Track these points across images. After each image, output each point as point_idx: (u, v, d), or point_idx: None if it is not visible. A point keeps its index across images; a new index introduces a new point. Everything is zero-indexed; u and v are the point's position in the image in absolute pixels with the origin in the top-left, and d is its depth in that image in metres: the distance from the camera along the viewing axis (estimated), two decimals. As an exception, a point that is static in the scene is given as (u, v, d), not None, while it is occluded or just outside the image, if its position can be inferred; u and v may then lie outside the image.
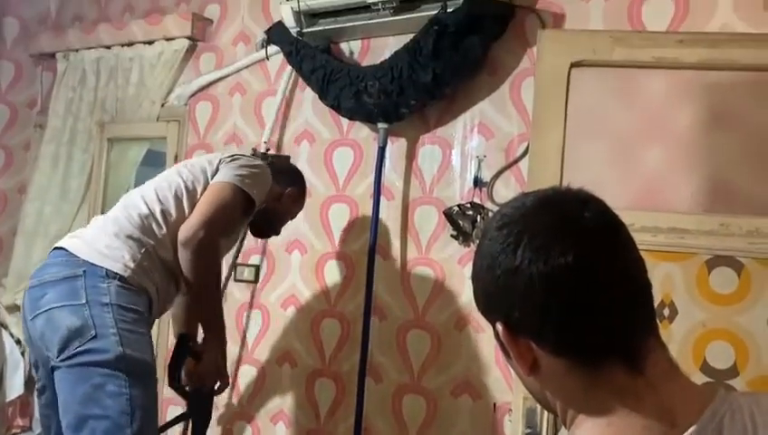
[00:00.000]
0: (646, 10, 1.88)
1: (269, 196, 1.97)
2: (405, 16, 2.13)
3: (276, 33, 2.37)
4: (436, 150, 2.19)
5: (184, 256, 1.76)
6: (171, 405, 2.46)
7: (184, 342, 1.88)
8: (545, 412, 1.56)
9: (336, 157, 2.38)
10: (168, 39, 2.75)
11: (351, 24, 2.24)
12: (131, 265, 1.72)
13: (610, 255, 0.70)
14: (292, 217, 2.19)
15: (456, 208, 2.08)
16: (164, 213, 1.80)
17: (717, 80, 1.60)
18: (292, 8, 2.26)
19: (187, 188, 1.84)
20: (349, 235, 2.33)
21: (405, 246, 2.21)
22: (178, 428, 2.13)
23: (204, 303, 1.87)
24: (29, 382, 2.77)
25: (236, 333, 2.52)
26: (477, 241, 0.82)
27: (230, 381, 1.99)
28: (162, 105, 2.78)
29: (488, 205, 2.05)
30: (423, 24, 2.03)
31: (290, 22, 2.29)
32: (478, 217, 2.04)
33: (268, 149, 2.44)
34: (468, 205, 2.07)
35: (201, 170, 1.88)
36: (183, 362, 1.87)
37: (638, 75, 1.65)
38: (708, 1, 1.79)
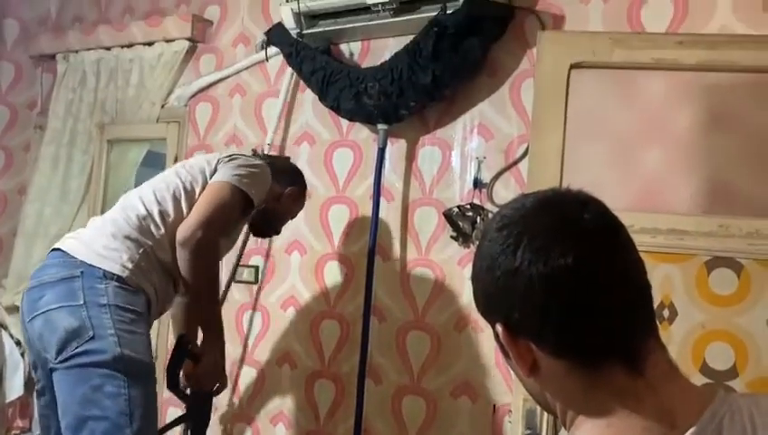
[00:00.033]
0: (645, 11, 1.89)
1: (269, 195, 1.97)
2: (405, 18, 2.13)
3: (276, 35, 2.37)
4: (435, 152, 2.19)
5: (182, 257, 1.76)
6: (171, 407, 2.46)
7: (182, 344, 1.88)
8: (545, 414, 1.56)
9: (336, 158, 2.39)
10: (167, 40, 2.75)
11: (351, 25, 2.24)
12: (129, 265, 1.72)
13: (610, 256, 0.70)
14: (293, 216, 2.19)
15: (456, 210, 2.08)
16: (162, 214, 1.80)
17: (716, 81, 1.60)
18: (291, 9, 2.26)
19: (185, 188, 1.84)
20: (348, 236, 2.33)
21: (405, 248, 2.22)
22: (178, 429, 2.13)
23: (203, 303, 1.86)
24: (29, 384, 2.77)
25: (236, 335, 2.52)
26: (477, 242, 0.82)
27: (228, 382, 1.98)
28: (162, 106, 2.78)
29: (488, 206, 2.05)
30: (423, 26, 2.03)
31: (290, 23, 2.29)
32: (478, 218, 2.05)
33: (264, 151, 2.44)
34: (468, 206, 2.07)
35: (200, 171, 1.88)
36: (181, 365, 1.87)
37: (637, 77, 1.66)
38: (707, 2, 1.79)
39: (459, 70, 2.04)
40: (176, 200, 1.82)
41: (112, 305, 1.66)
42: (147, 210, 1.80)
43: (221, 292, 2.49)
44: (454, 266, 2.12)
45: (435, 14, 2.01)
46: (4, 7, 3.20)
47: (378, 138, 2.21)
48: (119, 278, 1.70)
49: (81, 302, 1.65)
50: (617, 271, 0.70)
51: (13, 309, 2.86)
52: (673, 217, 1.58)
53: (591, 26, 1.94)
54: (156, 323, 2.31)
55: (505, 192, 2.03)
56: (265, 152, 2.41)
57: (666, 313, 1.56)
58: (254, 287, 2.52)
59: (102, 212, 2.69)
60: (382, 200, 2.22)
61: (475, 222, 2.05)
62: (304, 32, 2.29)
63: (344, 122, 2.36)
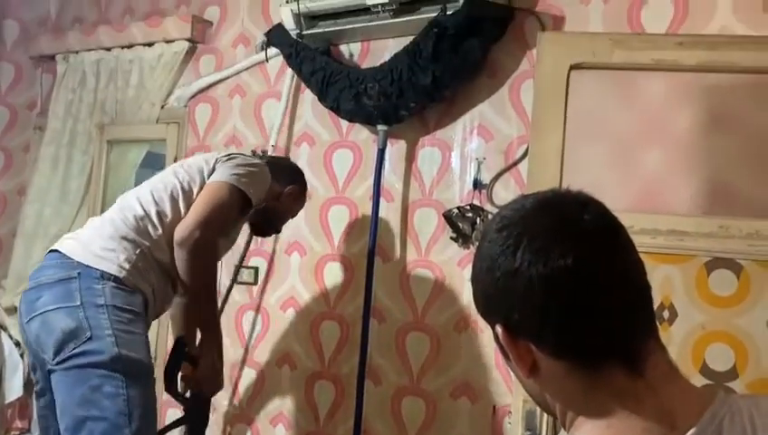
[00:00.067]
0: (645, 12, 1.88)
1: (268, 194, 1.96)
2: (404, 19, 2.13)
3: (276, 36, 2.37)
4: (435, 152, 2.19)
5: (180, 257, 1.76)
6: (170, 408, 2.46)
7: (180, 346, 1.87)
8: (545, 415, 1.56)
9: (336, 159, 2.38)
10: (167, 41, 2.75)
11: (351, 26, 2.24)
12: (126, 266, 1.72)
13: (610, 257, 0.70)
14: (293, 215, 2.18)
15: (456, 211, 2.08)
16: (159, 214, 1.79)
17: (717, 82, 1.60)
18: (291, 10, 2.26)
19: (183, 188, 1.83)
20: (348, 237, 2.33)
21: (404, 249, 2.21)
22: (176, 432, 2.12)
23: (201, 304, 1.85)
24: (28, 384, 2.77)
25: (236, 336, 2.52)
26: (477, 243, 0.82)
27: (224, 383, 1.97)
28: (162, 107, 2.78)
29: (488, 207, 2.05)
30: (423, 27, 2.03)
31: (290, 24, 2.29)
32: (478, 219, 2.05)
33: (265, 152, 2.44)
34: (468, 207, 2.07)
35: (198, 170, 1.87)
36: (179, 367, 1.86)
37: (637, 77, 1.66)
38: (707, 3, 1.79)
39: (459, 71, 2.04)
40: (173, 200, 1.81)
41: (110, 306, 1.66)
42: (144, 211, 1.79)
43: (223, 294, 2.50)
44: (453, 267, 2.11)
45: (435, 14, 2.01)
46: (4, 8, 3.20)
47: (377, 139, 2.21)
48: (116, 279, 1.70)
49: (79, 303, 1.65)
50: (617, 272, 0.70)
51: (12, 310, 2.86)
52: (673, 218, 1.58)
53: (591, 27, 1.94)
54: (155, 323, 2.31)
55: (505, 193, 2.03)
56: (269, 153, 2.40)
57: (666, 314, 1.56)
58: (254, 288, 2.52)
59: (102, 213, 2.69)
60: (382, 201, 2.22)
61: (475, 223, 2.05)
62: (304, 32, 2.29)
63: (344, 123, 2.36)
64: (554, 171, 1.63)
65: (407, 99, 2.09)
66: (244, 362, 2.50)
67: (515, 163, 2.04)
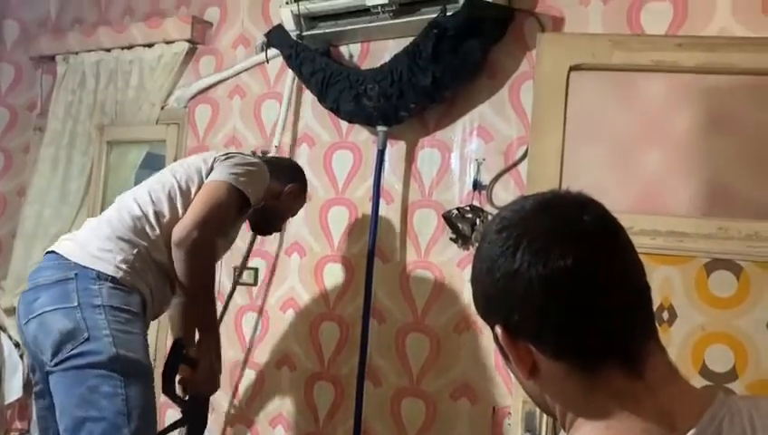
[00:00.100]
0: (645, 14, 1.89)
1: (267, 194, 1.95)
2: (404, 20, 2.13)
3: (276, 37, 2.37)
4: (435, 153, 2.19)
5: (178, 257, 1.75)
6: (170, 409, 2.46)
7: (178, 349, 1.86)
8: (544, 416, 1.56)
9: (335, 160, 2.39)
10: (167, 42, 2.75)
11: (351, 27, 2.24)
12: (123, 266, 1.71)
13: (609, 258, 0.70)
14: (294, 213, 2.18)
15: (456, 211, 2.08)
16: (157, 214, 1.79)
17: (716, 83, 1.60)
18: (291, 11, 2.26)
19: (180, 188, 1.83)
20: (348, 238, 2.33)
21: (404, 249, 2.22)
22: (175, 433, 2.12)
23: (199, 304, 1.85)
24: (27, 385, 2.77)
25: (235, 337, 2.51)
26: (477, 244, 0.82)
27: (220, 383, 1.96)
28: (162, 108, 2.78)
29: (487, 208, 2.05)
30: (423, 28, 2.03)
31: (290, 25, 2.29)
32: (477, 220, 2.05)
33: (265, 152, 2.43)
34: (467, 208, 2.07)
35: (196, 170, 1.86)
36: (177, 370, 1.85)
37: (636, 79, 1.66)
38: (707, 5, 1.80)
39: (459, 72, 2.04)
40: (171, 200, 1.81)
41: (107, 306, 1.65)
42: (141, 211, 1.79)
43: (225, 296, 2.50)
44: (453, 268, 2.12)
45: (434, 15, 2.01)
46: (4, 8, 3.20)
47: (377, 139, 2.21)
48: (113, 279, 1.69)
49: (76, 303, 1.64)
50: (616, 273, 0.70)
51: (12, 311, 2.86)
52: (672, 220, 1.58)
53: (591, 28, 1.94)
54: (154, 324, 2.32)
55: (505, 194, 2.03)
56: (271, 154, 2.40)
57: (665, 315, 1.56)
58: (254, 289, 2.52)
59: (101, 213, 2.69)
60: (382, 202, 2.22)
61: (475, 224, 2.05)
62: (304, 33, 2.29)
63: (344, 124, 2.36)
64: (554, 172, 1.63)
65: (406, 100, 2.09)
66: (243, 363, 2.50)
67: (515, 164, 2.04)
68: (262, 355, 2.47)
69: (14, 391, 2.87)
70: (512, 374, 0.78)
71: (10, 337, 2.89)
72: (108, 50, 2.90)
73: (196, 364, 1.84)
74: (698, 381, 1.52)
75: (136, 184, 2.82)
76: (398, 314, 2.20)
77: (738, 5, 1.76)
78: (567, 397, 0.72)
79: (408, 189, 2.23)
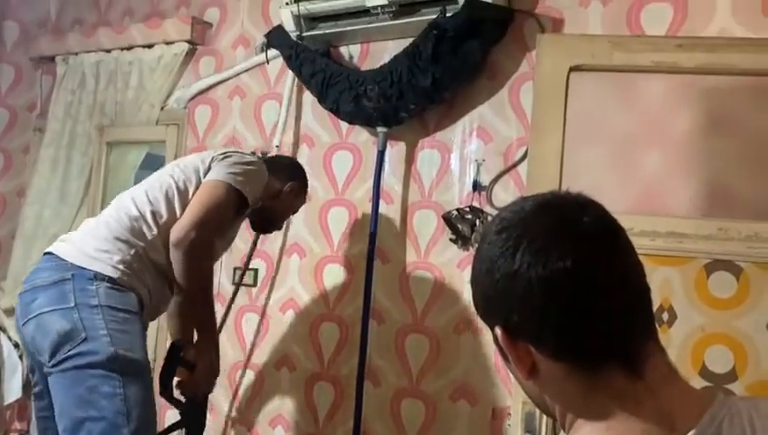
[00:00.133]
0: (644, 14, 1.89)
1: (265, 193, 1.95)
2: (404, 20, 2.13)
3: (276, 37, 2.37)
4: (435, 154, 2.19)
5: (176, 258, 1.74)
6: (170, 410, 2.45)
7: (175, 351, 1.85)
8: (544, 417, 1.56)
9: (335, 161, 2.39)
10: (167, 43, 2.75)
11: (351, 27, 2.24)
12: (120, 267, 1.71)
13: (609, 259, 0.70)
14: (294, 211, 2.17)
15: (455, 212, 2.08)
16: (154, 214, 1.78)
17: (716, 84, 1.60)
18: (291, 12, 2.26)
19: (178, 188, 1.82)
20: (348, 238, 2.33)
21: (404, 250, 2.21)
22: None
23: (197, 305, 1.84)
24: (27, 386, 2.77)
25: (235, 337, 2.51)
26: (476, 245, 0.82)
27: (216, 384, 1.96)
28: (161, 109, 2.78)
29: (487, 209, 2.05)
30: (422, 29, 2.03)
31: (289, 26, 2.29)
32: (477, 221, 2.05)
33: (265, 153, 2.43)
34: (467, 209, 2.07)
35: (193, 169, 1.85)
36: (174, 373, 1.84)
37: (636, 79, 1.66)
38: (707, 5, 1.80)
39: (459, 73, 2.04)
40: (168, 201, 1.80)
41: (104, 306, 1.65)
42: (139, 211, 1.78)
43: (226, 297, 2.50)
44: (453, 269, 2.11)
45: (434, 16, 2.01)
46: (4, 9, 3.20)
47: (377, 140, 2.21)
48: (110, 279, 1.69)
49: (73, 304, 1.64)
50: (616, 274, 0.70)
51: (11, 311, 2.85)
52: (672, 221, 1.58)
53: (591, 29, 1.95)
54: (154, 326, 2.31)
55: (504, 195, 2.03)
56: (271, 154, 2.40)
57: (665, 316, 1.56)
58: (254, 290, 2.52)
59: (101, 214, 2.69)
60: (381, 203, 2.22)
61: (475, 225, 2.05)
62: (304, 34, 2.29)
63: (344, 125, 2.36)
64: (554, 173, 1.63)
65: (406, 101, 2.09)
66: (244, 364, 2.50)
67: (515, 165, 2.04)
68: (261, 356, 2.47)
69: (13, 391, 2.86)
70: (511, 375, 0.78)
71: (9, 338, 2.89)
72: (108, 51, 2.90)
73: (193, 367, 1.84)
74: (698, 382, 1.52)
75: (135, 185, 2.84)
76: (398, 314, 2.20)
77: (738, 6, 1.76)
78: (567, 398, 0.72)
79: (408, 190, 2.23)
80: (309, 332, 2.37)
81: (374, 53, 2.31)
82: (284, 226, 2.37)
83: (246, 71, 2.60)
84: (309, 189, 2.21)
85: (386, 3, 2.09)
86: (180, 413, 1.90)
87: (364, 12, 2.17)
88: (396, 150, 2.26)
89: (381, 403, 2.19)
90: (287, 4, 2.26)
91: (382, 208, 2.23)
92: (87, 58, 2.95)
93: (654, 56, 1.62)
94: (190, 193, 1.82)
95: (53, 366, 1.62)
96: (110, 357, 1.60)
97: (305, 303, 2.39)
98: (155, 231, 1.77)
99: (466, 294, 2.07)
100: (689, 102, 1.61)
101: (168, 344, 1.89)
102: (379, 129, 2.19)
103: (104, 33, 2.91)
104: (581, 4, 1.97)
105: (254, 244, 2.45)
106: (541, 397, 0.75)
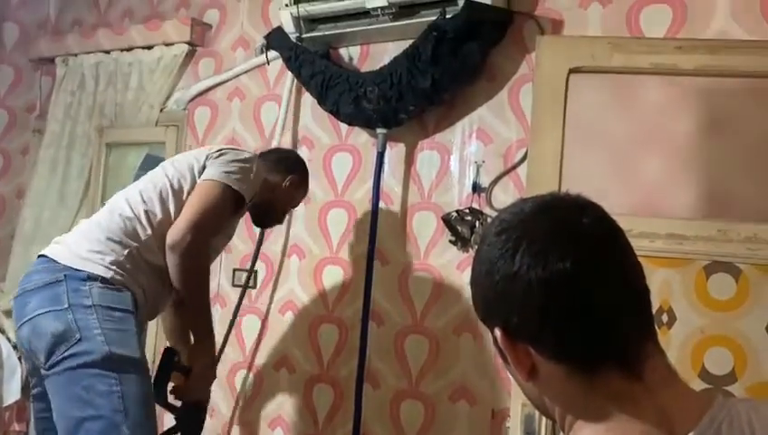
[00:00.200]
0: (644, 16, 1.89)
1: (263, 188, 1.92)
2: (404, 22, 2.13)
3: (276, 39, 2.37)
4: (434, 156, 2.19)
5: (172, 261, 1.73)
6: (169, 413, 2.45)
7: (170, 357, 1.83)
8: (544, 418, 1.56)
9: (335, 162, 2.38)
10: (167, 44, 2.75)
11: (351, 29, 2.24)
12: (113, 267, 1.70)
13: (609, 260, 0.71)
14: (295, 204, 2.16)
15: (455, 214, 2.08)
16: (148, 214, 1.76)
17: (715, 86, 1.60)
18: (291, 14, 2.26)
19: (172, 187, 1.80)
20: (347, 240, 2.33)
21: (403, 252, 2.21)
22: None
23: (193, 308, 1.82)
24: (26, 388, 2.76)
25: (234, 339, 2.51)
26: (476, 247, 0.82)
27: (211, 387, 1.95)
28: (161, 110, 2.78)
29: (487, 210, 2.05)
30: (422, 30, 2.03)
31: (289, 27, 2.29)
32: (477, 222, 2.05)
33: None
34: (467, 210, 2.07)
35: (188, 168, 1.83)
36: (168, 377, 1.83)
37: (636, 81, 1.66)
38: (706, 7, 1.80)
39: (458, 74, 2.04)
40: (162, 201, 1.78)
41: (98, 306, 1.64)
42: (133, 212, 1.77)
43: (225, 299, 2.49)
44: (452, 271, 2.11)
45: (434, 18, 2.01)
46: (4, 10, 3.20)
47: (377, 142, 2.21)
48: (103, 279, 1.68)
49: (66, 305, 1.63)
50: (615, 275, 0.70)
51: (10, 313, 2.82)
52: (672, 222, 1.58)
53: (590, 31, 1.95)
54: (154, 325, 2.31)
55: (504, 196, 2.03)
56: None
57: (664, 317, 1.56)
58: (253, 292, 2.51)
59: (100, 216, 2.68)
60: (381, 204, 2.22)
61: (474, 226, 2.05)
62: (304, 36, 2.29)
63: (343, 126, 2.36)
64: (553, 175, 1.63)
65: (406, 102, 2.09)
66: (247, 366, 2.50)
67: (514, 167, 2.04)
68: (261, 357, 2.46)
69: (12, 393, 2.86)
70: (511, 377, 0.78)
71: (9, 339, 2.88)
72: (107, 52, 2.90)
73: (188, 372, 1.82)
74: (698, 384, 1.51)
75: (132, 185, 2.82)
76: (398, 316, 2.20)
77: (737, 8, 1.76)
78: (566, 399, 0.72)
79: (408, 192, 2.23)
80: (308, 333, 2.36)
81: (374, 54, 2.31)
82: (284, 226, 2.38)
83: (246, 72, 2.60)
84: (308, 191, 2.20)
85: (385, 4, 2.10)
86: (176, 418, 1.89)
87: (364, 13, 2.17)
88: (395, 152, 2.26)
89: (381, 405, 2.19)
90: (287, 5, 2.26)
91: (382, 210, 2.22)
92: (86, 59, 2.95)
93: (653, 58, 1.62)
94: (185, 192, 1.80)
95: (49, 368, 1.61)
96: (105, 356, 1.59)
97: (305, 304, 2.39)
98: (149, 231, 1.76)
99: (466, 296, 2.07)
100: (688, 104, 1.62)
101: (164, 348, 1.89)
102: (379, 130, 2.19)
103: (104, 34, 2.91)
104: (581, 6, 1.98)
105: (258, 246, 2.44)
106: (540, 398, 0.75)
